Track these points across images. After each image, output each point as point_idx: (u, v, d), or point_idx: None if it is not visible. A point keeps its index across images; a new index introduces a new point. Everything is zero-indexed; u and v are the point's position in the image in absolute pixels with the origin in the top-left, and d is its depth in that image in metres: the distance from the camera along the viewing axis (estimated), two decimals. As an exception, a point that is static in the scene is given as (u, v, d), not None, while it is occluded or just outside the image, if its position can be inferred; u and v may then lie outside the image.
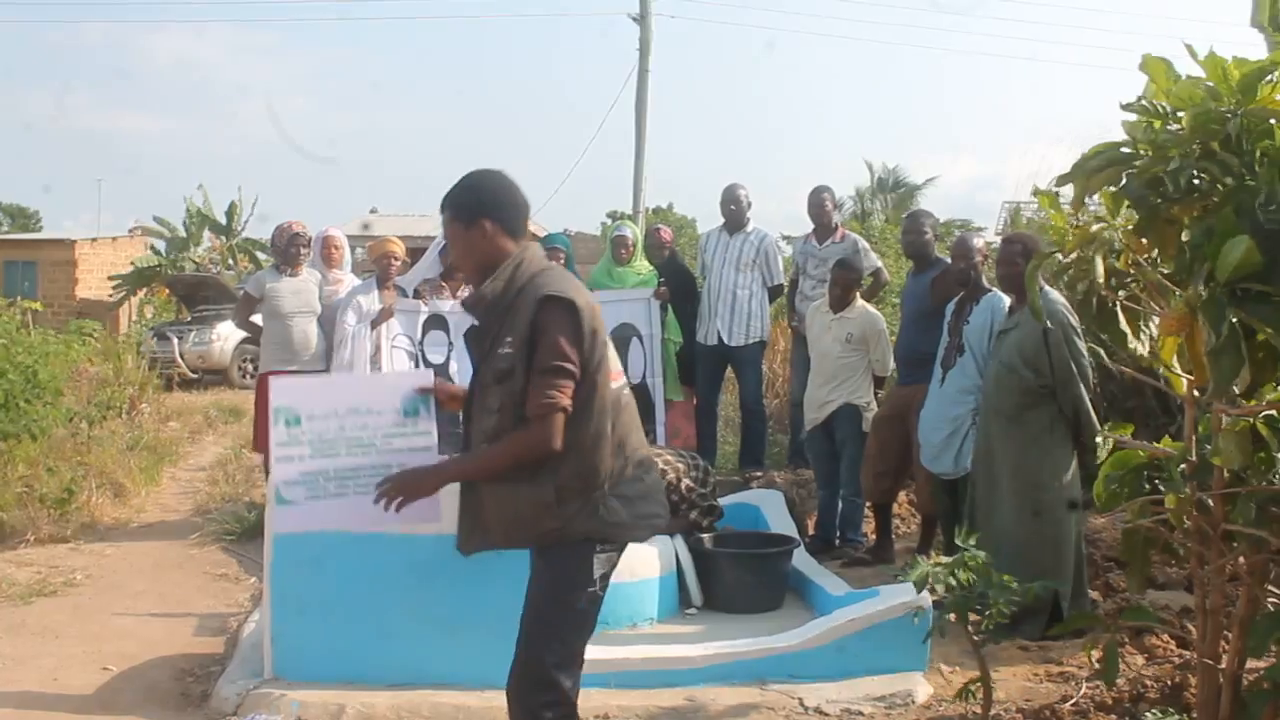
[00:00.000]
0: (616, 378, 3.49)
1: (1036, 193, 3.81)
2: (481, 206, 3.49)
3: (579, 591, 3.40)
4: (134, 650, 5.80)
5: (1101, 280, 3.42)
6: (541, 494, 3.35)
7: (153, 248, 29.86)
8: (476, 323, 3.60)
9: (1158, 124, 3.21)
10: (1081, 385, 5.65)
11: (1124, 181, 3.29)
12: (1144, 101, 3.23)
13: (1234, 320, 2.98)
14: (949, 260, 7.13)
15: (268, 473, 5.61)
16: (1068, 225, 3.67)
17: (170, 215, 30.27)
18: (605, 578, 3.45)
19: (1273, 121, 3.07)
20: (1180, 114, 3.16)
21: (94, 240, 31.03)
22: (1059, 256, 3.55)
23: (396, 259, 8.09)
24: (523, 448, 3.34)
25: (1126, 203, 3.35)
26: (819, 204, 8.79)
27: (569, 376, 3.32)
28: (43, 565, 7.47)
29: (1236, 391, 3.10)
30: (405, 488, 3.48)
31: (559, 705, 3.36)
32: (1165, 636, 5.38)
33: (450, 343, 7.94)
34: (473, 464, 3.52)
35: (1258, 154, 3.10)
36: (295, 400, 3.85)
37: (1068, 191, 3.48)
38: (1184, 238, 3.17)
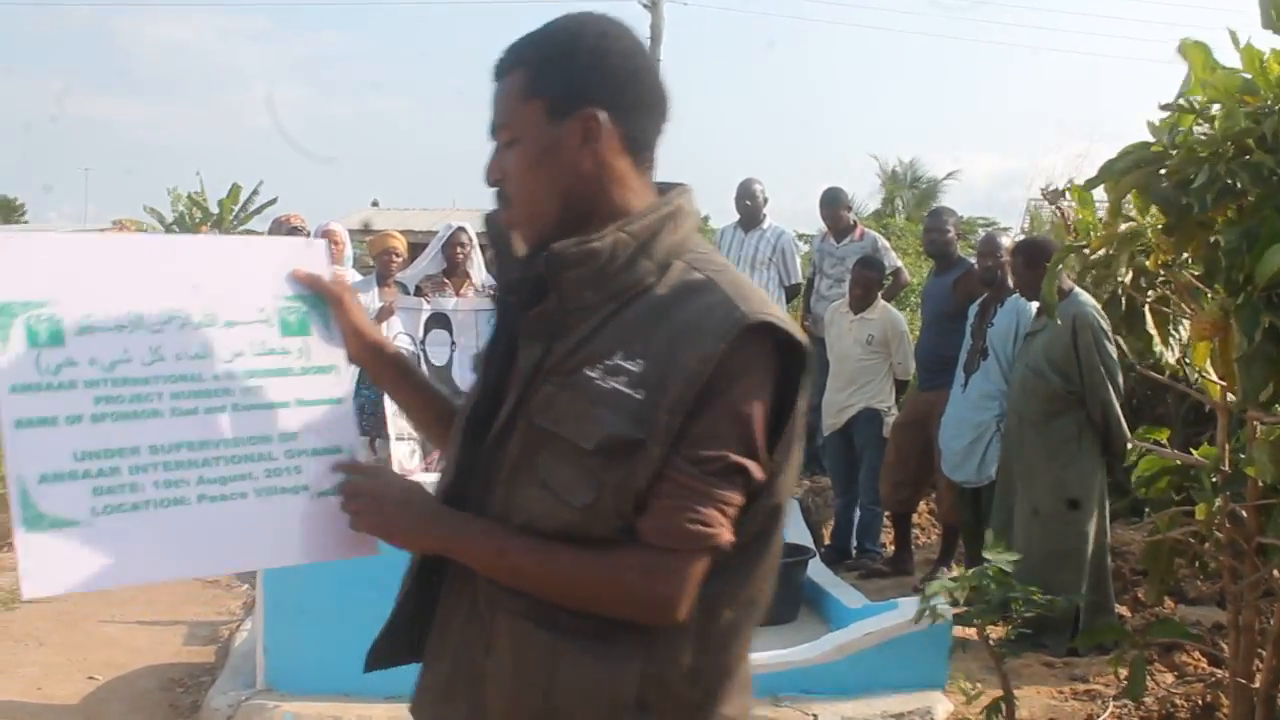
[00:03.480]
0: None
1: (1071, 186, 3.79)
2: (590, 85, 1.79)
3: None
4: (121, 659, 5.82)
5: (1129, 281, 3.42)
6: (617, 681, 1.73)
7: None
8: (528, 300, 1.83)
9: (1187, 121, 3.20)
10: (1112, 391, 5.64)
11: (1151, 184, 3.28)
12: (1181, 100, 3.21)
13: (1266, 326, 2.99)
14: (972, 260, 7.14)
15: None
16: (1095, 222, 3.65)
17: (161, 206, 30.33)
18: None
19: None
20: (1213, 111, 3.16)
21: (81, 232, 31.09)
22: (1085, 252, 3.55)
23: (398, 255, 8.10)
24: (619, 591, 1.71)
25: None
26: (832, 207, 8.76)
27: (745, 488, 1.70)
28: (27, 570, 7.48)
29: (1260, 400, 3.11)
30: (375, 509, 1.88)
31: None
32: (1196, 653, 5.38)
33: (453, 342, 7.94)
34: (514, 551, 1.75)
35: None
36: (48, 286, 1.87)
37: (1099, 190, 3.47)
38: (1218, 241, 3.16)
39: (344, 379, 2.08)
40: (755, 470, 1.69)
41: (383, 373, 2.15)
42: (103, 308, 1.88)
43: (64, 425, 1.81)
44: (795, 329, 1.73)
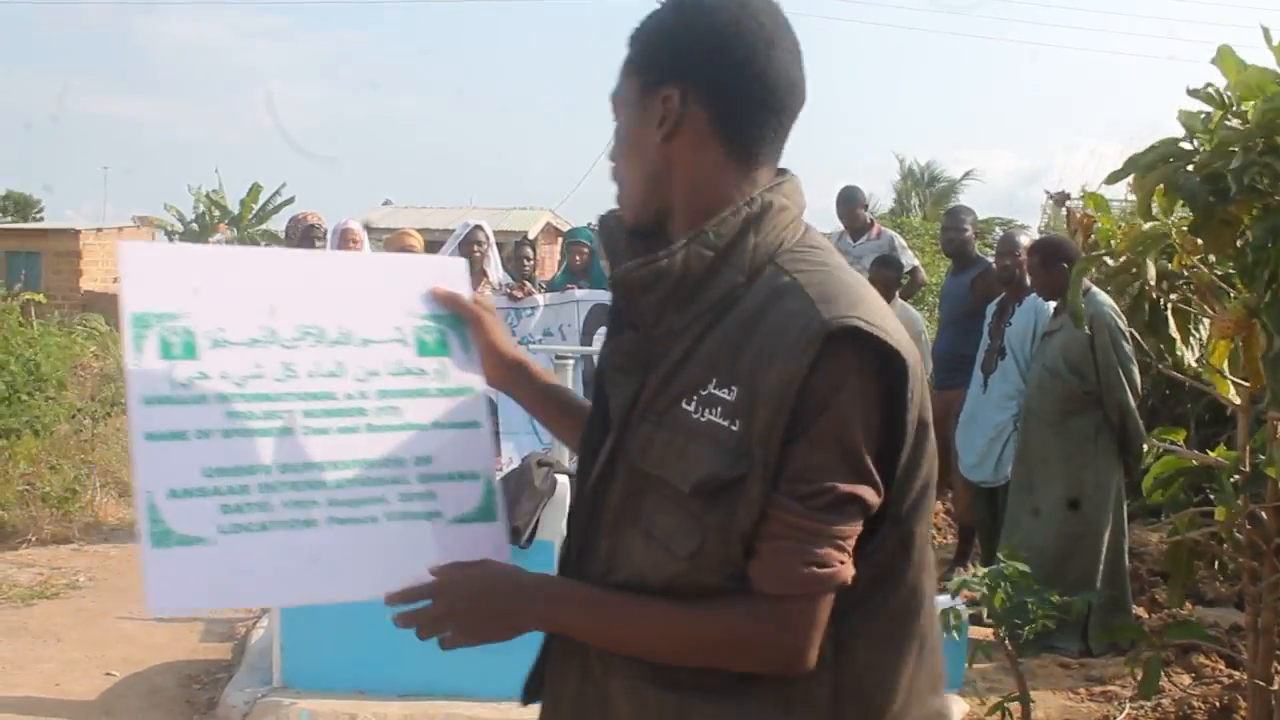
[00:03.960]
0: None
1: (1085, 195, 3.77)
2: (680, 65, 1.63)
3: None
4: (138, 655, 5.85)
5: (1154, 282, 3.40)
6: None
7: (167, 233, 30.00)
8: (626, 322, 1.71)
9: (1217, 115, 3.16)
10: (1129, 391, 5.63)
11: (1178, 178, 3.25)
12: (1210, 89, 3.17)
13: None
14: (989, 259, 7.13)
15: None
16: (1115, 227, 3.64)
17: (179, 203, 30.45)
18: None
19: None
20: (1245, 106, 3.13)
21: (99, 230, 31.18)
22: (1108, 260, 3.54)
23: (415, 253, 8.11)
24: (739, 646, 1.55)
25: (1181, 201, 3.32)
26: (848, 206, 8.72)
27: (860, 516, 1.53)
28: (44, 566, 7.53)
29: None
30: (462, 616, 1.69)
31: None
32: (1214, 655, 5.36)
33: (470, 341, 7.96)
34: (618, 619, 1.62)
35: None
36: (183, 298, 1.83)
37: (1117, 190, 3.46)
38: (1246, 237, 3.14)
39: (481, 402, 2.00)
40: (870, 496, 1.52)
41: (524, 395, 2.04)
42: (237, 321, 1.84)
43: (194, 440, 1.76)
44: (889, 329, 1.52)
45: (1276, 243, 2.97)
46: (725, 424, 1.50)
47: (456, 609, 1.67)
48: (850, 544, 1.51)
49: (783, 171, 1.67)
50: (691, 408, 1.54)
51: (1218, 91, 3.15)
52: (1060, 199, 5.51)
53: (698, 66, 1.61)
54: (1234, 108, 3.14)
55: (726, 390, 1.51)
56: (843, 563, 1.51)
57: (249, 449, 1.79)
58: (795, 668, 1.53)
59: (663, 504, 1.56)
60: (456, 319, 1.99)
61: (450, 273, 2.04)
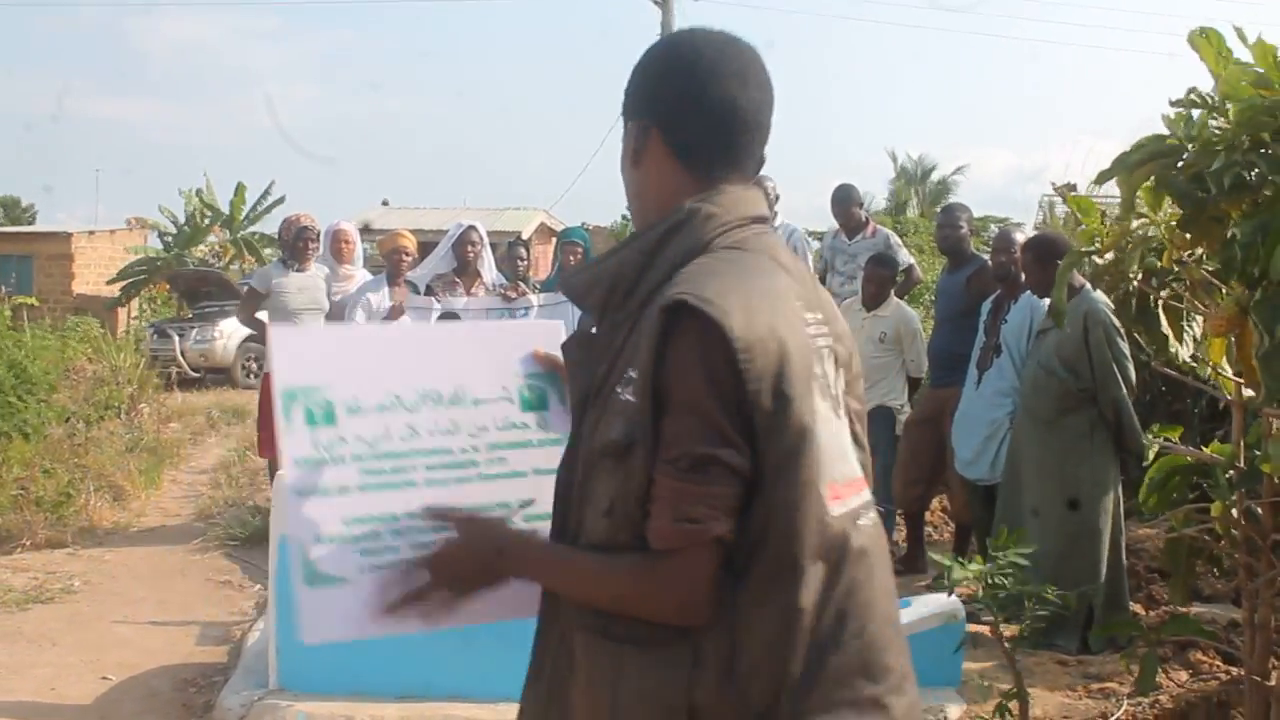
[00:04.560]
0: (843, 493, 1.82)
1: (1066, 195, 3.79)
2: (645, 98, 1.96)
3: None
4: (134, 659, 5.85)
5: (1140, 279, 3.42)
6: (667, 686, 1.75)
7: (160, 235, 29.91)
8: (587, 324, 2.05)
9: (1203, 116, 3.19)
10: (1124, 388, 5.63)
11: (1166, 176, 3.27)
12: (1193, 95, 3.21)
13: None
14: (985, 256, 7.14)
15: (273, 476, 5.64)
16: (1101, 227, 3.65)
17: (173, 206, 30.32)
18: None
19: None
20: (1228, 105, 3.15)
21: (91, 233, 31.13)
22: (1095, 260, 3.56)
23: (408, 254, 8.11)
24: (636, 596, 1.77)
25: (1168, 198, 3.34)
26: (844, 204, 8.73)
27: (728, 477, 1.70)
28: (39, 571, 7.53)
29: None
30: (450, 566, 1.97)
31: None
32: (1211, 652, 5.37)
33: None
34: (560, 568, 1.91)
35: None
36: (323, 373, 2.11)
37: (1110, 189, 3.48)
38: (1234, 234, 3.16)
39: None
40: (731, 458, 1.69)
41: None
42: (368, 391, 2.12)
43: (335, 495, 2.03)
44: (731, 307, 1.71)
45: (1265, 239, 2.98)
46: (630, 399, 1.74)
47: (450, 557, 1.96)
48: (724, 503, 1.70)
49: (759, 181, 1.90)
50: (619, 391, 1.77)
51: (1200, 95, 3.18)
52: (1067, 191, 5.52)
53: (650, 101, 1.94)
54: (1219, 106, 3.16)
55: (633, 370, 1.75)
56: (716, 518, 1.69)
57: (381, 501, 2.06)
58: (685, 619, 1.73)
59: (595, 475, 1.81)
60: (554, 376, 2.24)
61: (548, 336, 2.29)
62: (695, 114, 1.90)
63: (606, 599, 1.80)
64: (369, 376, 2.13)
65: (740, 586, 1.73)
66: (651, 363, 1.71)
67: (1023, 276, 6.43)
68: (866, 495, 1.90)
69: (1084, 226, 3.75)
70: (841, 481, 1.81)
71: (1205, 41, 3.17)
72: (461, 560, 1.96)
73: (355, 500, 2.04)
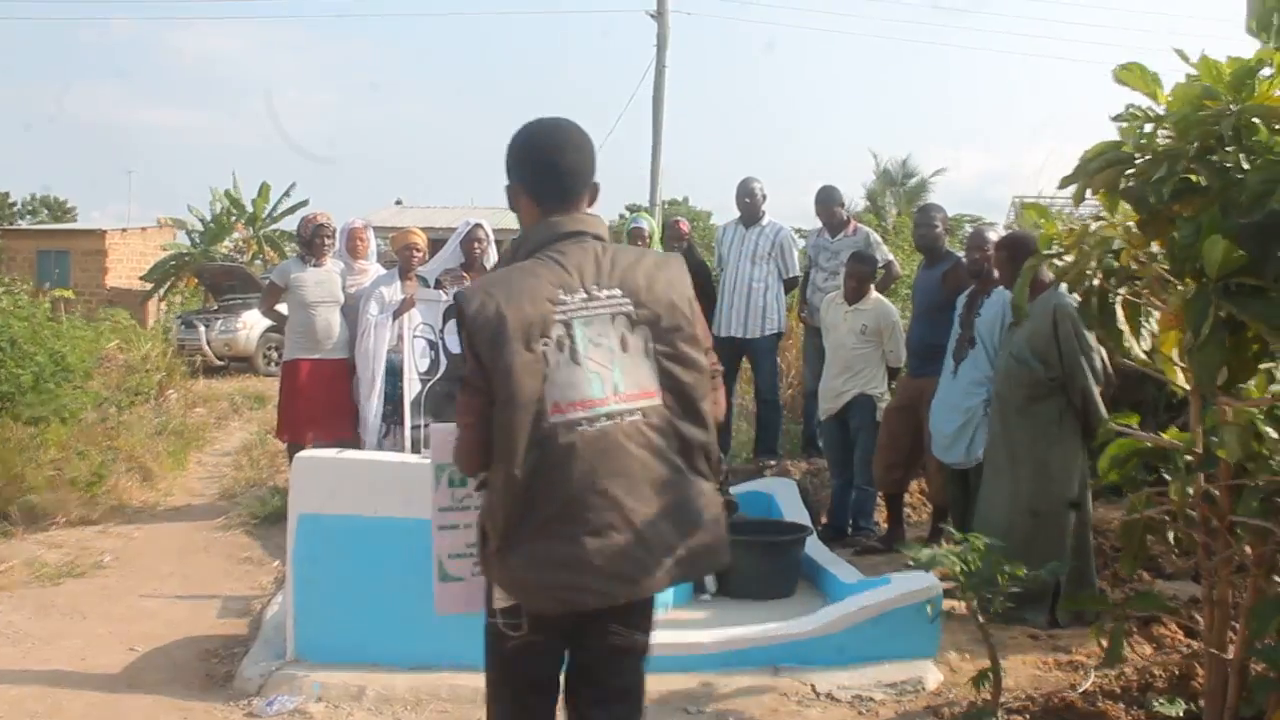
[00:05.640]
0: (566, 409, 2.69)
1: (1023, 206, 3.82)
2: (510, 166, 2.92)
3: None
4: (160, 631, 5.84)
5: (1099, 280, 3.42)
6: (483, 506, 2.84)
7: (188, 232, 29.94)
8: None
9: (1150, 130, 3.22)
10: (1091, 378, 5.62)
11: (1123, 184, 3.30)
12: (1133, 109, 3.25)
13: (1221, 315, 3.00)
14: (959, 254, 7.12)
15: (291, 458, 5.62)
16: (1059, 230, 3.67)
17: (199, 204, 30.37)
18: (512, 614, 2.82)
19: (1256, 120, 3.06)
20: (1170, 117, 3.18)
21: (124, 230, 31.13)
22: (1056, 262, 3.57)
23: (418, 250, 8.08)
24: (456, 456, 2.89)
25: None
26: (826, 204, 8.74)
27: (474, 392, 2.72)
28: (72, 547, 7.51)
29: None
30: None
31: None
32: (1173, 626, 5.36)
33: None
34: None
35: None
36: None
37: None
38: (1173, 236, 3.17)
39: None
40: (475, 379, 2.71)
41: None
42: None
43: (462, 529, 3.19)
44: (467, 296, 2.74)
45: (1199, 241, 2.99)
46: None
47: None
48: (472, 406, 2.74)
49: (590, 217, 2.89)
50: None
51: (1140, 110, 3.24)
52: (1025, 203, 5.51)
53: (512, 167, 2.90)
54: (1161, 118, 3.22)
55: None
56: (464, 416, 2.77)
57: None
58: (469, 470, 2.86)
59: None
60: None
61: None
62: (534, 173, 2.88)
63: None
64: None
65: (492, 457, 2.71)
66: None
67: (995, 273, 6.40)
68: (602, 410, 2.71)
69: (1042, 230, 3.76)
70: (565, 401, 2.68)
71: (1130, 74, 3.29)
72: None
73: (469, 534, 3.13)
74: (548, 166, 2.84)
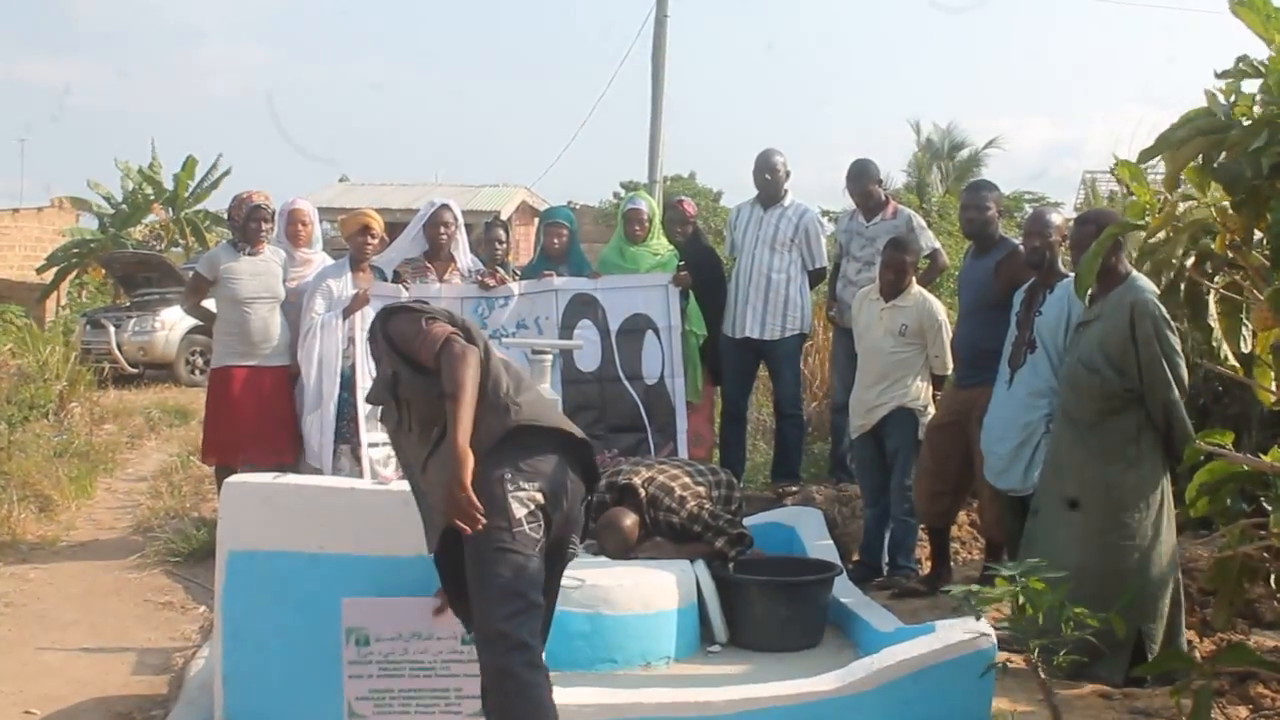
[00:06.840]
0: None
1: (1117, 163, 3.74)
2: None
3: None
4: (62, 691, 5.84)
5: (1188, 265, 3.39)
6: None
7: (95, 213, 29.75)
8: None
9: (1249, 90, 3.16)
10: (1175, 389, 5.61)
11: (1211, 156, 3.24)
12: (1243, 64, 3.18)
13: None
14: (1016, 241, 7.12)
15: (220, 485, 5.64)
16: (1154, 202, 3.62)
17: (107, 181, 30.12)
18: None
19: None
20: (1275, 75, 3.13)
21: (15, 211, 31.06)
22: (1143, 235, 3.54)
23: (374, 236, 8.09)
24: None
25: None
26: (860, 182, 8.76)
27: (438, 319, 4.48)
28: (-46, 591, 7.51)
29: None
30: (456, 504, 4.05)
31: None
32: (1273, 684, 5.37)
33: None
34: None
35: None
36: (366, 621, 4.76)
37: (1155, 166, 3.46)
38: (1270, 219, 3.13)
39: None
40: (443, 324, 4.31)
41: None
42: (386, 630, 4.80)
43: (365, 679, 4.76)
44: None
45: None
46: None
47: (451, 501, 4.09)
48: (439, 329, 4.27)
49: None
50: None
51: (1252, 64, 3.14)
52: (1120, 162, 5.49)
53: None
54: (1268, 73, 3.15)
55: None
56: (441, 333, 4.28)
57: (386, 683, 4.80)
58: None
59: None
60: None
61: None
62: None
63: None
64: (389, 624, 4.82)
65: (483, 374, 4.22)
66: None
67: (1059, 263, 6.41)
68: None
69: (1134, 198, 3.70)
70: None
71: (1247, 9, 3.15)
72: (449, 490, 4.07)
73: (375, 682, 4.77)
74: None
